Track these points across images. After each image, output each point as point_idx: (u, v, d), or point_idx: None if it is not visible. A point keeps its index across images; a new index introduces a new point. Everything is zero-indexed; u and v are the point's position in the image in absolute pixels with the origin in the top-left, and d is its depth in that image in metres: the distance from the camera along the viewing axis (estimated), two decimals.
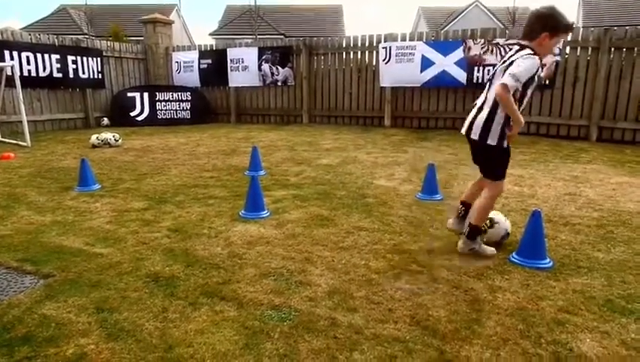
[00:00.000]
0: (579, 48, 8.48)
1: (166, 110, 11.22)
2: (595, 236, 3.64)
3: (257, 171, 5.67)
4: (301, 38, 11.25)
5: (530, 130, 8.96)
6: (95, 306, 2.50)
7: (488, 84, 3.12)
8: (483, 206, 3.17)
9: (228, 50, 11.12)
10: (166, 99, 11.18)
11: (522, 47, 2.94)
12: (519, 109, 2.93)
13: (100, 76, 10.73)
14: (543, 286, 2.77)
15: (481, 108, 3.08)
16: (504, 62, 2.98)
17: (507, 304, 2.55)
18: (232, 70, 11.08)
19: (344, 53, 10.15)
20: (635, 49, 8.07)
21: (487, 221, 3.29)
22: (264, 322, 2.36)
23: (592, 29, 8.80)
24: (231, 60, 11.04)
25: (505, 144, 3.02)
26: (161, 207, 4.37)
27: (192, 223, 3.88)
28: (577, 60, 8.47)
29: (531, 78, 2.85)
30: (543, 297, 2.63)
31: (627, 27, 8.52)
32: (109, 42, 11.51)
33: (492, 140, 3.00)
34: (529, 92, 2.95)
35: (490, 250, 3.23)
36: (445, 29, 23.02)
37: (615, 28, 8.50)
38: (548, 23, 2.89)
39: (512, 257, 3.15)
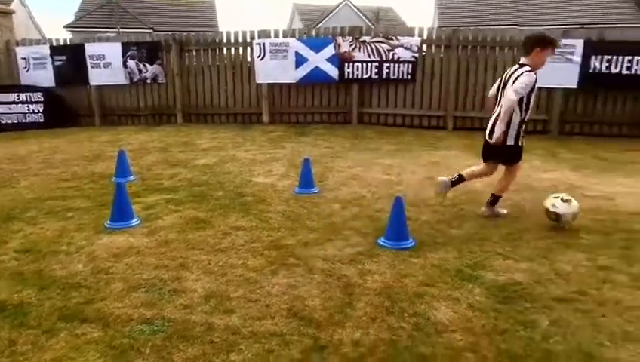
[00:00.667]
0: (434, 46, 9.39)
1: (11, 113, 9.82)
2: (450, 215, 4.09)
3: (126, 177, 5.27)
4: (170, 33, 10.70)
5: (397, 122, 9.70)
6: None
7: (500, 96, 3.90)
8: (505, 184, 4.09)
9: (86, 45, 10.09)
10: (10, 100, 9.77)
11: (521, 66, 3.78)
12: (527, 113, 3.85)
13: None
14: (406, 264, 3.03)
15: (497, 117, 3.81)
16: (510, 77, 3.80)
17: (376, 285, 2.74)
18: (92, 67, 10.09)
19: (217, 50, 9.89)
20: (478, 47, 9.20)
21: (553, 215, 3.71)
22: (134, 338, 2.21)
23: (444, 29, 9.82)
24: (90, 56, 10.04)
25: (520, 142, 3.89)
26: (8, 225, 3.83)
27: (47, 240, 3.47)
28: (433, 58, 9.37)
29: (532, 89, 3.75)
30: (406, 274, 2.88)
31: (471, 27, 9.67)
32: None
33: (510, 141, 3.82)
34: (532, 98, 3.81)
35: (504, 211, 4.09)
36: (319, 26, 23.78)
37: (462, 28, 9.60)
38: (537, 42, 3.78)
39: (381, 241, 3.40)
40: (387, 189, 4.86)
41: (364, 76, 9.28)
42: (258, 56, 9.38)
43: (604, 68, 8.38)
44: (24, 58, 10.38)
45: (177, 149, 7.15)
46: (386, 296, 2.61)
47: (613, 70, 8.37)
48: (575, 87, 8.66)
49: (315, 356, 2.07)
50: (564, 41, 8.53)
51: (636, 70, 8.27)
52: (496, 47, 9.12)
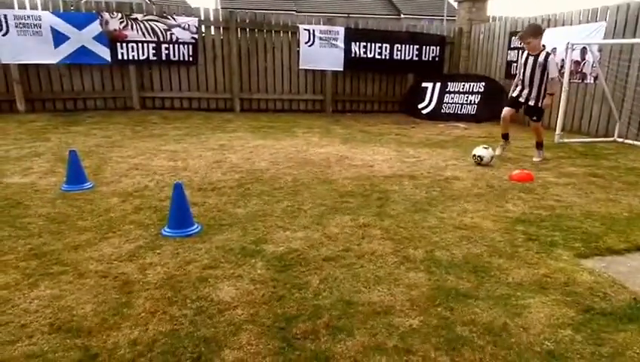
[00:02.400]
0: (213, 28, 9.31)
1: None
2: (236, 195, 4.18)
3: None
4: None
5: (184, 105, 9.40)
6: None
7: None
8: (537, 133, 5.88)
9: None
10: None
11: None
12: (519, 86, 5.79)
13: None
14: (191, 251, 2.98)
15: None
16: None
17: (157, 277, 2.62)
18: None
19: None
20: (256, 30, 9.51)
21: (478, 158, 5.41)
22: None
23: (223, 10, 9.81)
24: None
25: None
26: None
27: None
28: (214, 39, 9.30)
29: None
30: (190, 261, 2.83)
31: (249, 11, 9.91)
32: None
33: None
34: (521, 72, 5.65)
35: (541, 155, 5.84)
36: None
37: (240, 11, 9.76)
38: None
39: (164, 231, 3.26)
40: (172, 176, 4.69)
41: (142, 57, 8.65)
42: None
43: (362, 53, 9.71)
44: None
45: None
46: (168, 286, 2.52)
47: (369, 55, 9.77)
48: (342, 69, 9.82)
49: None
50: (330, 28, 9.53)
51: (385, 55, 9.83)
52: (273, 31, 9.60)
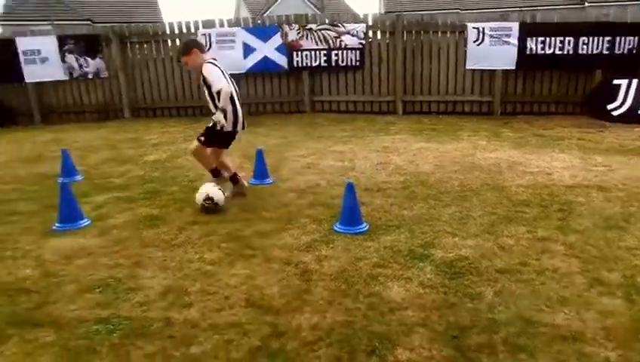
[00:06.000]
0: (379, 32, 9.53)
1: None
2: (401, 197, 4.23)
3: (72, 176, 5.07)
4: (110, 25, 10.24)
5: (349, 108, 9.82)
6: None
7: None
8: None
9: (17, 39, 9.46)
10: None
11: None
12: None
13: None
14: (361, 248, 3.13)
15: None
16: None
17: (332, 270, 2.82)
18: (27, 63, 9.49)
19: (161, 41, 9.59)
20: (422, 32, 9.42)
21: (209, 200, 3.91)
22: (90, 339, 2.18)
23: (388, 14, 9.97)
24: (24, 52, 9.45)
25: None
26: None
27: None
28: (379, 43, 9.52)
29: None
30: (361, 258, 2.97)
31: (415, 12, 9.89)
32: None
33: None
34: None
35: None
36: (265, 14, 23.49)
37: (405, 14, 9.80)
38: None
39: (336, 227, 3.48)
40: (341, 176, 4.96)
41: (314, 64, 9.31)
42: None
43: (539, 49, 8.83)
44: None
45: (126, 146, 6.92)
46: (342, 279, 2.69)
47: (548, 51, 8.84)
48: (514, 68, 9.08)
49: (275, 342, 2.12)
50: (501, 24, 8.92)
51: (568, 50, 8.78)
52: (439, 32, 9.38)
